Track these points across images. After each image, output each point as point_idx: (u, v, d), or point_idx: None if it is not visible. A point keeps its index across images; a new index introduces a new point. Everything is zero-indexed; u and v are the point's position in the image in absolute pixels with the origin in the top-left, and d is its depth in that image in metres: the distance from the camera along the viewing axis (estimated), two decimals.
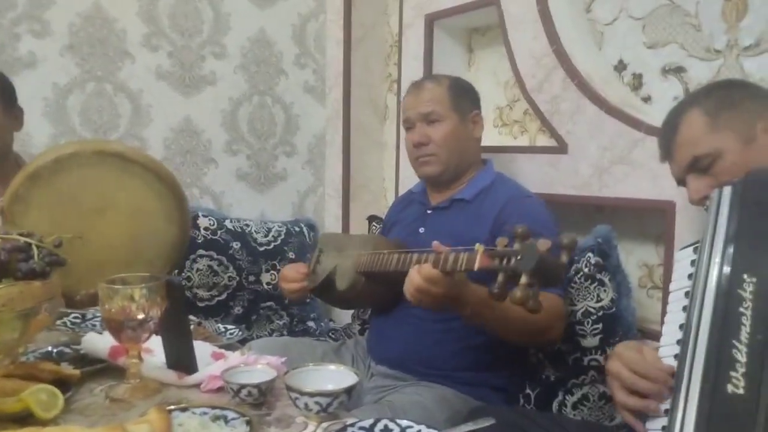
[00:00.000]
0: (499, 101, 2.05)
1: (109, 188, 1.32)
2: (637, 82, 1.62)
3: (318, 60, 2.57)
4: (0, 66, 1.88)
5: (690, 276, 0.89)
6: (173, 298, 0.99)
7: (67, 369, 0.99)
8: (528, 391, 1.51)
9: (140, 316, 0.94)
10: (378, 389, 1.46)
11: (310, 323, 2.35)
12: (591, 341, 1.42)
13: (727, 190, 0.87)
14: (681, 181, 1.11)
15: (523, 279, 0.92)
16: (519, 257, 0.94)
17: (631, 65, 1.63)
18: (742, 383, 0.74)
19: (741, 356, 0.75)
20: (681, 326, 0.86)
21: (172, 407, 0.86)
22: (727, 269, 0.81)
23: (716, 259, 0.82)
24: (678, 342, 0.86)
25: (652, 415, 0.87)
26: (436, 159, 1.50)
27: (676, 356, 0.85)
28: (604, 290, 1.42)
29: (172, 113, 2.29)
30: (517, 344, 1.40)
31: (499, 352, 1.42)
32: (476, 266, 1.03)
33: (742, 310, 0.77)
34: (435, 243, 1.15)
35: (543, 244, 0.92)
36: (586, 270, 1.44)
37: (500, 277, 0.97)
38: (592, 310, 1.42)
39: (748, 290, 0.78)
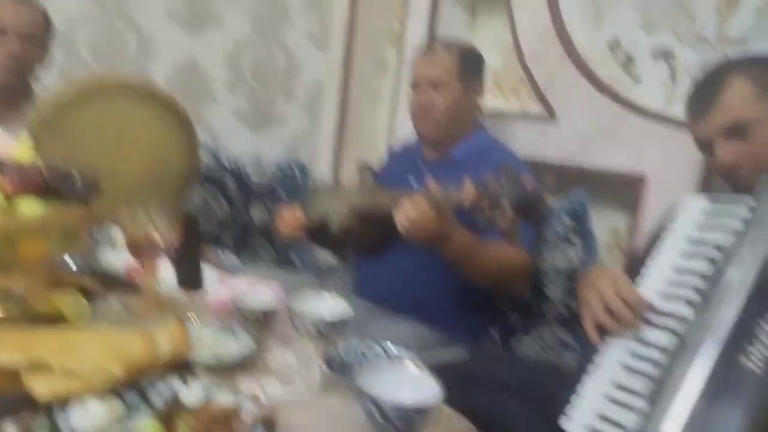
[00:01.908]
0: (496, 66, 2.13)
1: (128, 122, 1.40)
2: (629, 62, 1.71)
3: (323, 9, 2.61)
4: None
5: (700, 226, 0.92)
6: (189, 227, 1.10)
7: (89, 280, 1.10)
8: (492, 331, 1.65)
9: (159, 241, 1.05)
10: (359, 319, 1.58)
11: (294, 257, 2.46)
12: (555, 292, 1.54)
13: None
14: (705, 142, 1.07)
15: (506, 207, 1.04)
16: (505, 189, 1.06)
17: (625, 45, 1.72)
18: (757, 361, 0.74)
19: (764, 336, 0.76)
20: (676, 269, 0.90)
21: (189, 320, 0.97)
22: None
23: None
24: (672, 283, 0.89)
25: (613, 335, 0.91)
26: (435, 123, 1.59)
27: (661, 294, 0.88)
28: (574, 249, 1.54)
29: (177, 51, 2.34)
30: (489, 288, 1.52)
31: (470, 295, 1.54)
32: (467, 198, 1.14)
33: None
34: (429, 181, 1.24)
35: (527, 179, 1.04)
36: (559, 230, 1.56)
37: (485, 204, 1.08)
38: (561, 267, 1.54)
39: None
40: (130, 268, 1.17)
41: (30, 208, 0.85)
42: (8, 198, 0.86)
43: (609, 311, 0.91)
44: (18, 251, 0.84)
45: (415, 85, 1.63)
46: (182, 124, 1.48)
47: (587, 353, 1.15)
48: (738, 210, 0.89)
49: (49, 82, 2.08)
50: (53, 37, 1.79)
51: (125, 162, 1.37)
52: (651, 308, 0.89)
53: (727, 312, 0.80)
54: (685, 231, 0.94)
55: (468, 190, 1.13)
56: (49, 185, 0.86)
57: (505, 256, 1.39)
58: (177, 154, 1.48)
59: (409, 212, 1.23)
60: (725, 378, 0.76)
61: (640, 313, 0.89)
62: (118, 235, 1.30)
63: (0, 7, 1.65)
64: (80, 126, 1.32)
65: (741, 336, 0.77)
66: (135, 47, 2.26)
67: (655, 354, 0.84)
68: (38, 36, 1.70)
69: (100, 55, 2.20)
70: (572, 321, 1.54)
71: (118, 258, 1.21)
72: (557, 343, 1.54)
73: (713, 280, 0.84)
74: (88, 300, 1.03)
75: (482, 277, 1.42)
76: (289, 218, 1.68)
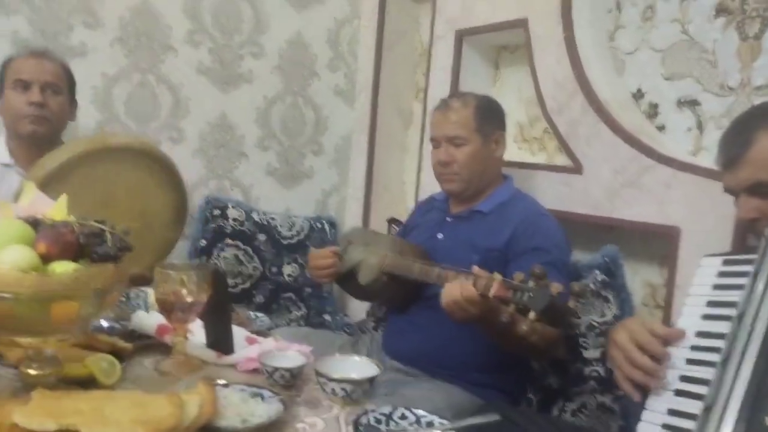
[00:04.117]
0: (520, 118, 2.14)
1: (110, 182, 1.44)
2: (652, 111, 1.71)
3: (350, 64, 2.68)
4: None
5: (715, 286, 0.94)
6: (217, 286, 1.11)
7: (121, 342, 1.11)
8: (530, 395, 1.62)
9: (189, 300, 1.06)
10: (390, 383, 1.56)
11: (326, 316, 2.46)
12: (593, 353, 1.52)
13: None
14: (733, 192, 1.08)
15: (531, 315, 1.04)
16: (531, 295, 1.05)
17: (649, 94, 1.72)
18: None
19: None
20: (698, 333, 0.92)
21: (217, 382, 0.97)
22: None
23: None
24: (693, 347, 0.91)
25: (653, 392, 0.92)
26: (458, 178, 1.60)
27: (688, 360, 0.90)
28: (609, 306, 1.52)
29: (209, 107, 2.42)
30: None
31: (506, 357, 1.52)
32: (491, 293, 1.14)
33: None
34: (475, 268, 1.24)
35: (556, 288, 1.03)
36: (592, 286, 1.54)
37: (511, 308, 1.08)
38: (596, 324, 1.52)
39: None
40: (161, 327, 1.18)
41: (63, 269, 0.87)
42: (44, 259, 0.88)
43: (635, 365, 0.92)
44: (51, 313, 0.86)
45: (435, 141, 1.65)
46: (163, 170, 1.51)
47: (628, 417, 1.12)
48: (747, 268, 0.91)
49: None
50: (75, 89, 1.86)
51: (115, 219, 1.40)
52: (666, 357, 0.91)
53: (746, 371, 0.82)
54: (703, 293, 0.96)
55: (498, 288, 1.13)
56: (81, 245, 0.89)
57: (542, 333, 1.35)
58: (162, 205, 1.51)
59: (456, 297, 1.23)
60: None
61: (665, 360, 0.91)
62: (149, 295, 1.32)
63: (24, 63, 1.75)
64: (71, 187, 1.36)
65: (762, 395, 0.78)
66: (168, 104, 2.34)
67: (687, 423, 0.85)
68: (60, 86, 1.78)
69: (135, 111, 2.29)
70: (611, 383, 1.50)
71: (149, 318, 1.22)
72: (596, 407, 1.50)
73: (731, 340, 0.86)
74: (119, 361, 1.04)
75: (518, 351, 1.41)
76: (325, 256, 1.69)
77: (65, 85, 1.82)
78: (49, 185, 1.36)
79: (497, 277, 1.15)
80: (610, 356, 0.99)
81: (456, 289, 1.24)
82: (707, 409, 0.83)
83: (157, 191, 1.54)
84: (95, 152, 1.44)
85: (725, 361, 0.85)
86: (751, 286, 0.88)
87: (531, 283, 1.07)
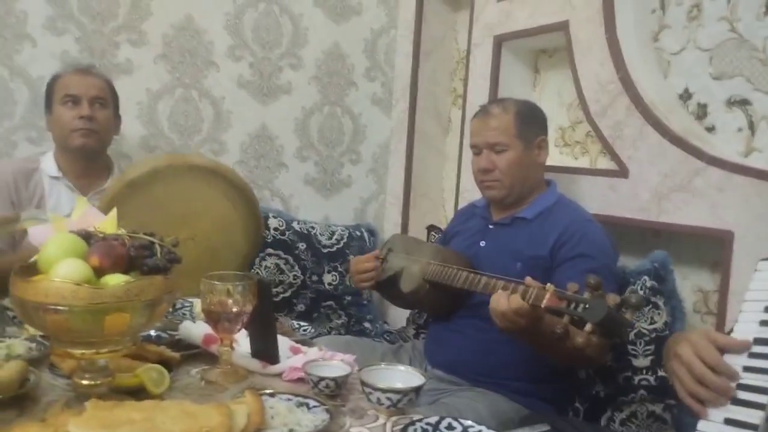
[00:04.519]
0: (561, 122, 2.11)
1: (196, 200, 1.47)
2: (701, 112, 1.66)
3: (387, 73, 2.69)
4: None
5: None
6: (262, 296, 1.12)
7: (169, 352, 1.13)
8: (577, 404, 1.58)
9: (235, 310, 1.07)
10: (433, 392, 1.55)
11: (367, 324, 2.46)
12: (642, 362, 1.48)
13: None
14: None
15: (588, 327, 1.01)
16: (587, 306, 1.02)
17: (696, 95, 1.67)
18: None
19: None
20: (756, 340, 0.88)
21: (263, 392, 0.98)
22: None
23: None
24: (751, 355, 0.88)
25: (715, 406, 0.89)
26: (500, 185, 1.58)
27: (745, 367, 0.87)
28: (658, 313, 1.47)
29: (249, 119, 2.46)
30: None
31: (551, 366, 1.50)
32: (543, 304, 1.11)
33: None
34: (528, 279, 1.22)
35: (612, 299, 1.00)
36: (641, 293, 1.50)
37: (566, 319, 1.05)
38: (645, 331, 1.48)
39: None
40: (207, 337, 1.20)
41: (115, 281, 0.89)
42: (97, 273, 0.90)
43: (700, 381, 0.88)
44: (104, 324, 0.88)
45: (475, 148, 1.63)
46: (250, 207, 1.54)
47: (680, 426, 1.08)
48: None
49: (132, 153, 2.23)
50: (119, 105, 1.94)
51: (188, 240, 1.43)
52: (736, 376, 0.87)
53: None
54: (762, 299, 0.92)
55: (550, 299, 1.10)
56: (132, 257, 0.91)
57: (596, 345, 1.32)
58: (241, 235, 1.54)
59: (504, 308, 1.21)
60: None
61: (735, 378, 0.86)
62: (195, 305, 1.34)
63: (71, 79, 1.84)
64: (146, 204, 1.40)
65: None
66: (210, 117, 2.39)
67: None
68: (106, 100, 1.87)
69: (178, 125, 2.34)
70: (662, 392, 1.45)
71: (196, 328, 1.24)
72: (647, 416, 1.46)
73: None
74: (168, 371, 1.06)
75: (567, 362, 1.38)
76: (366, 261, 1.69)
77: (110, 99, 1.89)
78: (130, 195, 1.41)
79: (550, 287, 1.12)
80: (671, 370, 0.96)
81: (504, 300, 1.22)
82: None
83: (233, 208, 1.58)
84: (175, 167, 1.48)
85: None
86: None
87: (586, 294, 1.04)
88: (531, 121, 1.61)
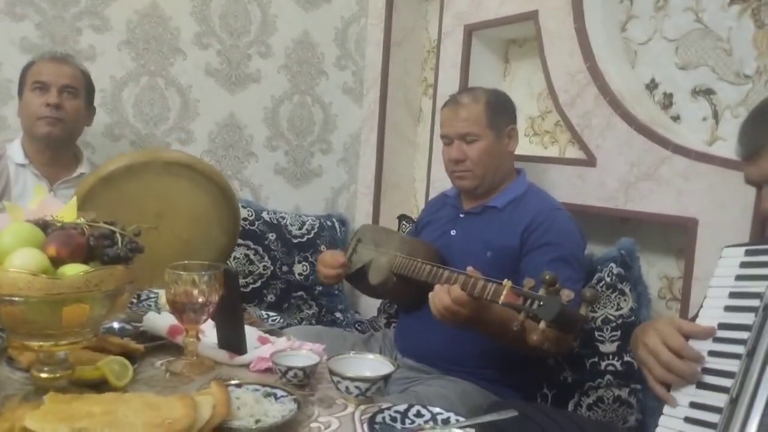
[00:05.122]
0: (531, 111, 2.12)
1: (173, 196, 1.45)
2: (667, 102, 1.68)
3: (357, 62, 2.67)
4: None
5: (738, 277, 0.93)
6: (229, 286, 1.10)
7: (132, 343, 1.11)
8: (545, 390, 1.60)
9: (201, 300, 1.05)
10: (403, 380, 1.56)
11: (338, 314, 2.45)
12: (609, 347, 1.50)
13: None
14: (754, 184, 1.06)
15: (542, 324, 1.02)
16: (542, 303, 1.03)
17: (663, 85, 1.69)
18: None
19: None
20: (720, 325, 0.90)
21: (230, 382, 0.96)
22: None
23: None
24: (716, 339, 0.89)
25: (674, 386, 0.91)
26: (471, 174, 1.58)
27: (710, 352, 0.89)
28: (624, 299, 1.50)
29: (217, 108, 2.41)
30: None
31: (519, 354, 1.50)
32: (501, 300, 1.13)
33: None
34: (470, 268, 1.24)
35: (566, 296, 1.01)
36: (608, 279, 1.52)
37: (521, 316, 1.06)
38: (612, 317, 1.50)
39: None
40: (172, 328, 1.18)
41: (73, 271, 0.86)
42: (54, 263, 0.87)
43: (670, 369, 0.90)
44: (62, 315, 0.85)
45: (446, 138, 1.63)
46: (228, 202, 1.52)
47: (645, 410, 1.09)
48: None
49: (95, 142, 2.18)
50: (93, 96, 1.89)
51: (163, 231, 1.40)
52: (702, 360, 0.89)
53: None
54: (726, 285, 0.94)
55: (507, 295, 1.11)
56: (91, 247, 0.88)
57: (553, 340, 1.30)
58: (219, 229, 1.52)
59: (444, 300, 1.23)
60: None
61: (700, 363, 0.89)
62: (160, 296, 1.32)
63: (44, 66, 1.80)
64: (121, 199, 1.37)
65: None
66: (177, 106, 2.34)
67: (710, 416, 0.84)
68: (77, 90, 1.82)
69: (144, 114, 2.29)
70: (628, 377, 1.48)
71: (161, 319, 1.21)
72: (614, 401, 1.48)
73: (758, 331, 0.84)
74: (131, 362, 1.04)
75: (520, 350, 1.38)
76: (331, 262, 1.68)
77: (83, 90, 1.84)
78: (104, 189, 1.39)
79: (507, 283, 1.13)
80: (639, 359, 0.97)
81: (443, 292, 1.23)
82: (733, 401, 0.82)
83: (210, 202, 1.55)
84: (151, 163, 1.46)
85: (751, 353, 0.83)
86: None
87: (541, 291, 1.05)
88: (501, 111, 1.61)
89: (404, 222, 2.27)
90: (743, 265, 0.93)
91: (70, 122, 1.80)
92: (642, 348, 0.95)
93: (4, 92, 2.07)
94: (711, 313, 0.93)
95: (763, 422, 0.79)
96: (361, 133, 2.71)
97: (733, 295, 0.92)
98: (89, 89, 1.88)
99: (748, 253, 0.95)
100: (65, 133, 1.80)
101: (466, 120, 1.57)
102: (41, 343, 0.87)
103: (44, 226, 0.91)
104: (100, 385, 0.96)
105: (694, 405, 0.87)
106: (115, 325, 1.24)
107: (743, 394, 0.81)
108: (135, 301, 1.43)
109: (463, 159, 1.58)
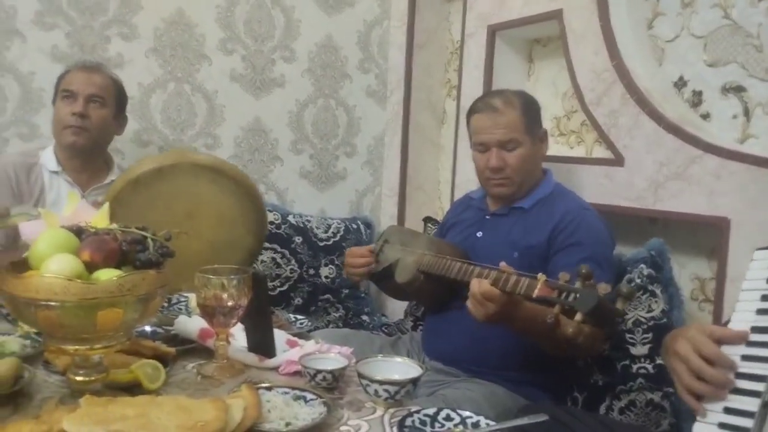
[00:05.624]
0: (556, 111, 2.10)
1: (200, 197, 1.47)
2: (696, 99, 1.65)
3: (380, 65, 2.68)
4: None
5: None
6: (258, 289, 1.11)
7: (164, 347, 1.12)
8: (576, 393, 1.58)
9: (230, 304, 1.07)
10: (431, 383, 1.55)
11: (364, 317, 2.46)
12: (640, 350, 1.48)
13: None
14: None
15: (578, 317, 1.01)
16: (578, 296, 1.02)
17: (691, 82, 1.67)
18: None
19: None
20: (753, 328, 0.88)
21: (260, 385, 0.97)
22: None
23: None
24: (749, 343, 0.88)
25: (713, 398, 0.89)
26: (510, 182, 1.56)
27: (743, 356, 0.87)
28: (656, 301, 1.47)
29: (243, 113, 2.44)
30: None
31: (549, 356, 1.49)
32: (535, 294, 1.11)
33: None
34: (503, 264, 1.22)
35: (603, 289, 0.99)
36: (638, 281, 1.50)
37: (556, 309, 1.05)
38: (643, 320, 1.48)
39: None
40: (203, 332, 1.19)
41: (107, 276, 0.88)
42: (88, 268, 0.89)
43: (698, 376, 0.88)
44: (96, 319, 0.87)
45: (482, 146, 1.59)
46: (254, 203, 1.53)
47: (679, 414, 1.07)
48: None
49: (124, 148, 2.22)
50: (126, 105, 1.91)
51: (192, 237, 1.41)
52: (734, 366, 0.86)
53: None
54: (757, 287, 0.92)
55: (542, 288, 1.10)
56: (124, 252, 0.90)
57: (588, 334, 1.31)
58: (245, 230, 1.53)
59: (475, 294, 1.21)
60: None
61: (728, 370, 0.86)
62: (191, 300, 1.33)
63: (74, 75, 1.83)
64: (150, 202, 1.39)
65: None
66: (203, 111, 2.37)
67: (744, 421, 0.83)
68: (105, 98, 1.84)
69: (171, 120, 2.32)
70: (661, 380, 1.45)
71: (191, 323, 1.23)
72: (646, 405, 1.45)
73: None
74: (163, 365, 1.05)
75: (561, 352, 1.37)
76: (360, 255, 1.68)
77: (113, 99, 1.86)
78: (134, 192, 1.42)
79: (541, 277, 1.12)
80: (670, 367, 0.95)
81: (474, 284, 1.22)
82: (765, 405, 0.81)
83: (237, 204, 1.56)
84: (181, 165, 1.47)
85: None
86: None
87: (577, 284, 1.03)
88: (535, 115, 1.60)
89: (429, 224, 2.26)
90: None
91: (95, 131, 1.82)
92: (672, 357, 0.94)
93: (36, 101, 2.12)
94: (743, 316, 0.91)
95: None
96: (385, 135, 2.71)
97: (765, 297, 0.90)
98: (120, 98, 1.91)
99: None
100: (90, 143, 1.83)
101: (506, 127, 1.53)
102: (76, 346, 0.89)
103: (78, 232, 0.93)
104: (133, 388, 0.98)
105: (728, 410, 0.85)
106: (147, 328, 1.26)
107: None
108: (166, 305, 1.46)
109: (504, 167, 1.55)
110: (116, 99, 1.89)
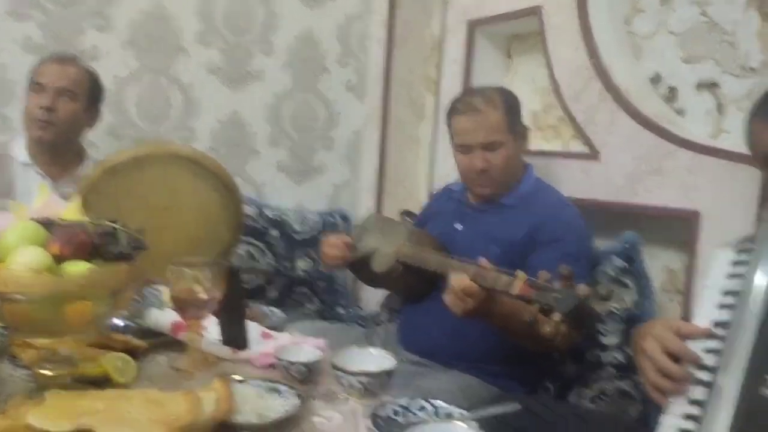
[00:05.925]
0: (534, 106, 2.11)
1: (178, 189, 1.45)
2: (671, 95, 1.67)
3: (360, 59, 2.66)
4: None
5: (729, 276, 0.93)
6: (231, 282, 1.10)
7: (135, 340, 1.11)
8: (548, 384, 1.59)
9: (203, 296, 1.05)
10: (406, 374, 1.54)
11: (340, 309, 2.45)
12: (611, 339, 1.49)
13: None
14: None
15: (556, 317, 1.01)
16: (558, 296, 1.02)
17: (667, 78, 1.68)
18: None
19: None
20: (715, 323, 0.90)
21: (233, 378, 0.96)
22: None
23: None
24: (711, 337, 0.90)
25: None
26: (493, 182, 1.56)
27: (706, 350, 0.89)
28: (627, 292, 1.49)
29: (220, 106, 2.41)
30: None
31: (522, 348, 1.50)
32: (514, 292, 1.11)
33: None
34: (482, 260, 1.22)
35: (583, 290, 1.00)
36: (610, 272, 1.51)
37: (535, 308, 1.05)
38: (615, 310, 1.49)
39: None
40: (175, 325, 1.18)
41: (77, 269, 0.87)
42: (57, 260, 0.88)
43: (669, 375, 0.90)
44: (65, 313, 0.85)
45: (464, 147, 1.57)
46: (233, 198, 1.51)
47: (647, 402, 1.08)
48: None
49: (99, 141, 2.18)
50: (101, 98, 1.87)
51: (169, 226, 1.40)
52: (698, 360, 0.89)
53: (742, 350, 0.84)
54: (718, 284, 0.94)
55: (521, 287, 1.10)
56: (95, 245, 0.88)
57: (565, 334, 1.31)
58: (224, 226, 1.51)
59: (455, 289, 1.22)
60: (749, 411, 0.80)
61: (692, 364, 0.89)
62: (163, 292, 1.32)
63: (46, 67, 1.77)
64: (127, 192, 1.37)
65: (758, 369, 0.81)
66: (180, 104, 2.34)
67: (695, 410, 0.86)
68: (76, 92, 1.78)
69: (147, 112, 2.29)
70: (630, 369, 1.47)
71: (163, 316, 1.21)
72: (616, 393, 1.47)
73: (734, 326, 0.87)
74: (134, 359, 1.04)
75: (536, 349, 1.38)
76: (335, 245, 1.67)
77: (84, 92, 1.81)
78: (109, 181, 1.39)
79: (521, 275, 1.12)
80: (638, 365, 0.97)
81: (454, 281, 1.22)
82: (710, 396, 0.85)
83: (215, 197, 1.54)
84: (157, 156, 1.45)
85: (727, 346, 0.86)
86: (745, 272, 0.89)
87: (557, 284, 1.04)
88: (516, 112, 1.59)
89: (407, 218, 2.26)
90: (734, 264, 0.93)
91: (63, 125, 1.77)
92: (640, 354, 0.96)
93: (7, 92, 2.08)
94: (706, 311, 0.93)
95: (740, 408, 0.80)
96: (364, 129, 2.70)
97: (725, 292, 0.92)
98: (93, 91, 1.85)
99: (739, 252, 0.95)
100: (55, 138, 1.77)
101: (490, 128, 1.52)
102: (44, 340, 0.88)
103: (48, 224, 0.92)
104: (103, 382, 0.97)
105: (691, 402, 0.88)
106: (118, 321, 1.24)
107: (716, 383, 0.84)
108: (138, 297, 1.43)
109: (488, 169, 1.54)
110: (89, 92, 1.84)
